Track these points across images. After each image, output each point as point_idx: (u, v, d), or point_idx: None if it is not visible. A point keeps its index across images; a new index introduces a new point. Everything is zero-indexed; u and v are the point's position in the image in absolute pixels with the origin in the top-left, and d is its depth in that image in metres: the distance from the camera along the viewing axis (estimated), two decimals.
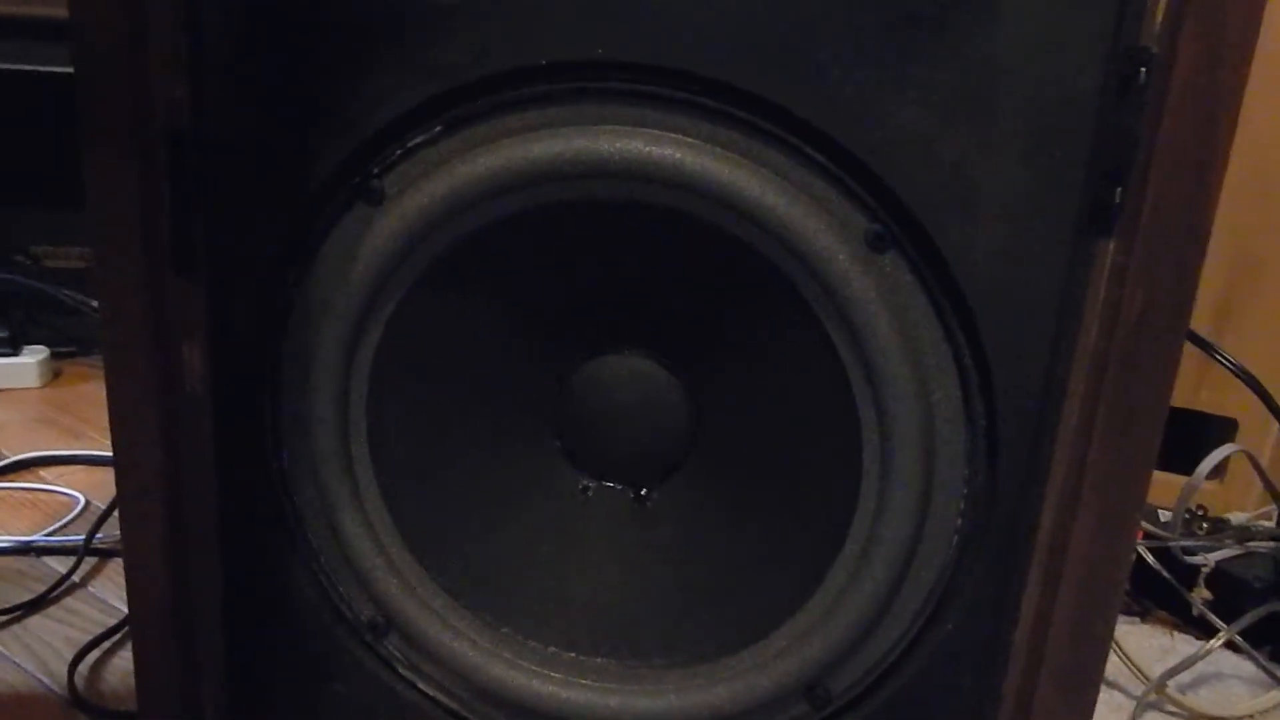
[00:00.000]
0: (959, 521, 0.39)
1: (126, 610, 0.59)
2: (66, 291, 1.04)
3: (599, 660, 0.44)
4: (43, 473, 0.82)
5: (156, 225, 0.39)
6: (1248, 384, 0.66)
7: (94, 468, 0.83)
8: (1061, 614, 0.37)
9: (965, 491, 0.38)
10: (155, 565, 0.42)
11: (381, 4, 0.36)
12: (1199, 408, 0.81)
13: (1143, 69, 0.31)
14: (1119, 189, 0.32)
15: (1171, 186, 0.32)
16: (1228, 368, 0.68)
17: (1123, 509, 0.34)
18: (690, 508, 0.44)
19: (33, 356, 1.02)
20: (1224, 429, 0.80)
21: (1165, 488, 0.77)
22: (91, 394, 1.01)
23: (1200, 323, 0.79)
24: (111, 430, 0.41)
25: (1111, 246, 0.33)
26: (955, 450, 0.38)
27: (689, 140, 0.36)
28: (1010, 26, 0.33)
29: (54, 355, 1.04)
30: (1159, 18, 0.31)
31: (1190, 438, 0.80)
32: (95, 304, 0.40)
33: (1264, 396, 0.67)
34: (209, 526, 0.43)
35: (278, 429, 0.42)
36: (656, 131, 0.37)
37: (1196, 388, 0.79)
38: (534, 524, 0.45)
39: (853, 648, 0.41)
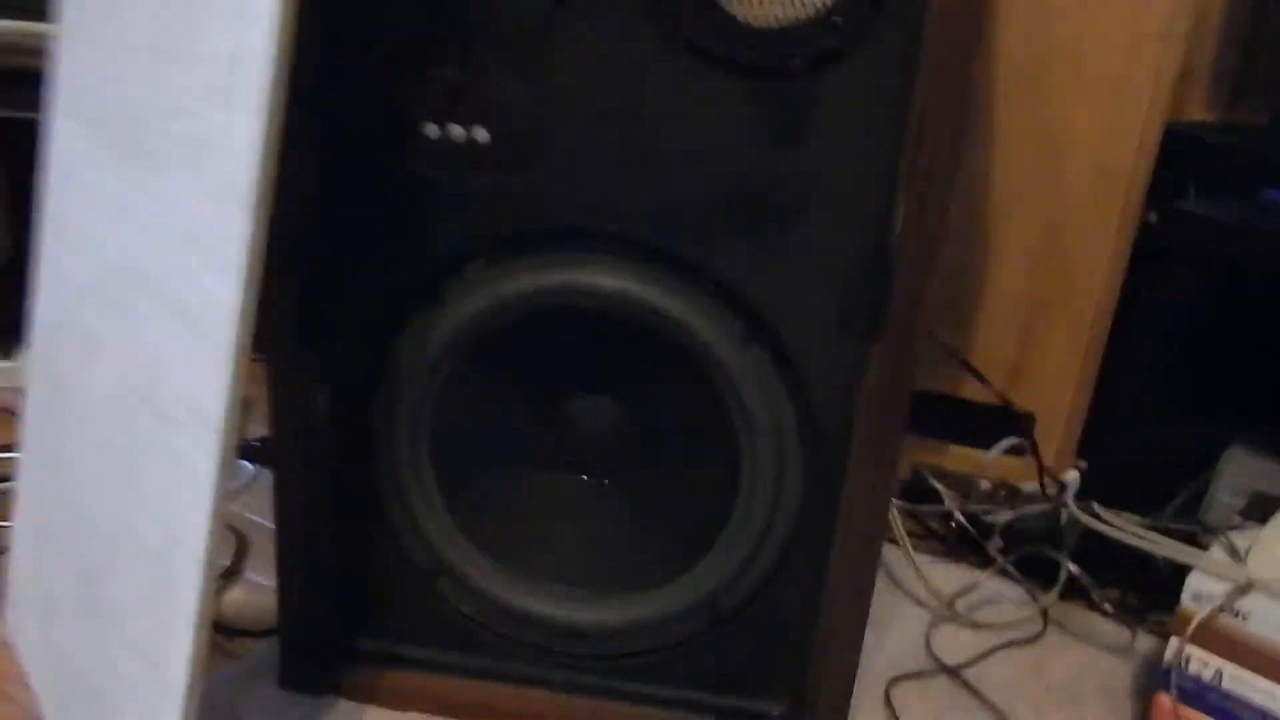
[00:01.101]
0: (798, 501, 0.64)
1: (227, 562, 0.83)
2: None
3: (579, 589, 0.68)
4: None
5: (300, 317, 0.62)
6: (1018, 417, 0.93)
7: None
8: (848, 556, 0.63)
9: (801, 483, 0.64)
10: (296, 532, 0.66)
11: (445, 187, 0.60)
12: (1011, 403, 1.08)
13: (888, 257, 0.56)
14: (881, 316, 0.58)
15: (898, 320, 0.57)
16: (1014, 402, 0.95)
17: (880, 495, 0.60)
18: (634, 491, 0.69)
19: None
20: (1028, 418, 1.08)
21: (982, 463, 1.05)
22: None
23: (1006, 351, 1.06)
24: (274, 445, 0.64)
25: (876, 349, 0.58)
26: (796, 460, 0.63)
27: (636, 276, 0.60)
28: (822, 225, 0.57)
29: None
30: (899, 227, 0.56)
31: (1003, 424, 1.07)
32: None
33: (1029, 431, 0.94)
34: (329, 506, 0.66)
35: (373, 445, 0.66)
36: (616, 270, 0.60)
37: (1008, 389, 1.06)
38: (535, 502, 0.69)
39: (735, 579, 0.66)
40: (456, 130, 0.58)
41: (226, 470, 0.45)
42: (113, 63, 0.55)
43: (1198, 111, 1.33)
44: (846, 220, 0.58)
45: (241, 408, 0.45)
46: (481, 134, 0.58)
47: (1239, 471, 0.92)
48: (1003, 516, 0.96)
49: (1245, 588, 0.67)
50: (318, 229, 0.61)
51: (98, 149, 0.58)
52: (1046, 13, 0.96)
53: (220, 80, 0.44)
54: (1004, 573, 0.92)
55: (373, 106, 0.58)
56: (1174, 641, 0.69)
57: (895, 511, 0.91)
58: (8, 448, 0.94)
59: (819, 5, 0.53)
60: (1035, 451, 0.97)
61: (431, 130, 0.58)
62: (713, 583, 0.67)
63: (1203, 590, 0.68)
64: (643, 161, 0.58)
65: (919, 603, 0.88)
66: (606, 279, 0.60)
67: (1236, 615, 0.67)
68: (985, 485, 1.05)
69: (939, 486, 0.99)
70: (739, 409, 0.62)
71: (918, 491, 1.02)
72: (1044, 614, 0.88)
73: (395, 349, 0.64)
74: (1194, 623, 0.67)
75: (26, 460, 0.70)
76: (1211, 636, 0.67)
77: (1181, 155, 1.02)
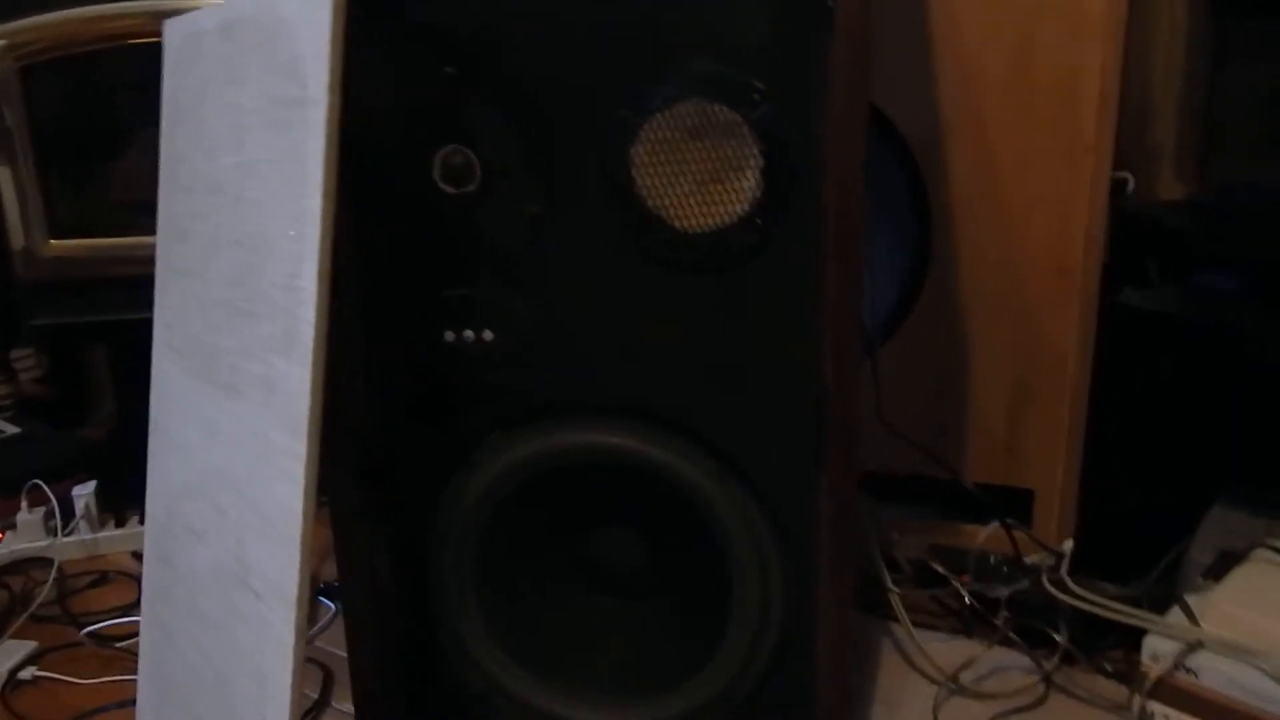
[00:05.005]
0: (783, 603, 0.75)
1: (315, 694, 0.96)
2: None
3: (612, 695, 0.80)
4: None
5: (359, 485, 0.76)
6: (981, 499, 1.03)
7: None
8: (826, 645, 0.73)
9: (783, 588, 0.75)
10: (366, 664, 0.79)
11: (465, 376, 0.74)
12: (1011, 482, 1.17)
13: (822, 403, 0.68)
14: (823, 451, 0.69)
15: (836, 451, 0.68)
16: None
17: (846, 598, 0.71)
18: (652, 605, 0.80)
19: None
20: (1028, 495, 1.16)
21: (993, 538, 1.13)
22: None
23: (997, 433, 1.15)
24: (342, 589, 0.77)
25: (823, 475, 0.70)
26: (776, 568, 0.74)
27: (623, 432, 0.73)
28: (767, 378, 0.70)
29: None
30: (829, 377, 0.68)
31: (1009, 501, 1.16)
32: None
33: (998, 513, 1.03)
34: (394, 640, 0.79)
35: (426, 583, 0.79)
36: (608, 429, 0.73)
37: (1005, 470, 1.15)
38: (568, 621, 0.81)
39: (743, 671, 0.77)
40: (469, 334, 0.72)
41: (302, 633, 0.58)
42: (201, 310, 0.71)
43: (1168, 188, 1.44)
44: (785, 372, 0.70)
45: (321, 557, 0.58)
46: (488, 334, 0.72)
47: (1216, 531, 1.00)
48: (1004, 590, 1.04)
49: (1195, 646, 0.75)
50: (367, 416, 0.75)
51: (189, 375, 0.73)
52: (984, 135, 1.08)
53: (280, 337, 0.59)
54: (1010, 643, 1.01)
55: (401, 321, 0.73)
56: (1135, 698, 0.77)
57: (897, 594, 1.01)
58: (126, 609, 1.10)
59: (742, 211, 0.66)
60: (1005, 526, 1.05)
61: (449, 335, 0.73)
62: (726, 676, 0.77)
63: (1159, 650, 0.77)
64: (618, 343, 0.71)
65: (930, 679, 0.97)
66: (600, 437, 0.73)
67: (1189, 672, 0.75)
68: (994, 560, 1.13)
69: (940, 569, 1.08)
70: (722, 532, 0.74)
71: (928, 573, 1.11)
72: (1046, 679, 0.96)
73: (438, 504, 0.77)
74: (1150, 680, 0.76)
75: (145, 625, 0.84)
76: (1168, 692, 0.76)
77: (1132, 243, 1.13)
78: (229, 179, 0.63)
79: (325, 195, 0.54)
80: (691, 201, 0.67)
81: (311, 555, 0.59)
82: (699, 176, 0.66)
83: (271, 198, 0.58)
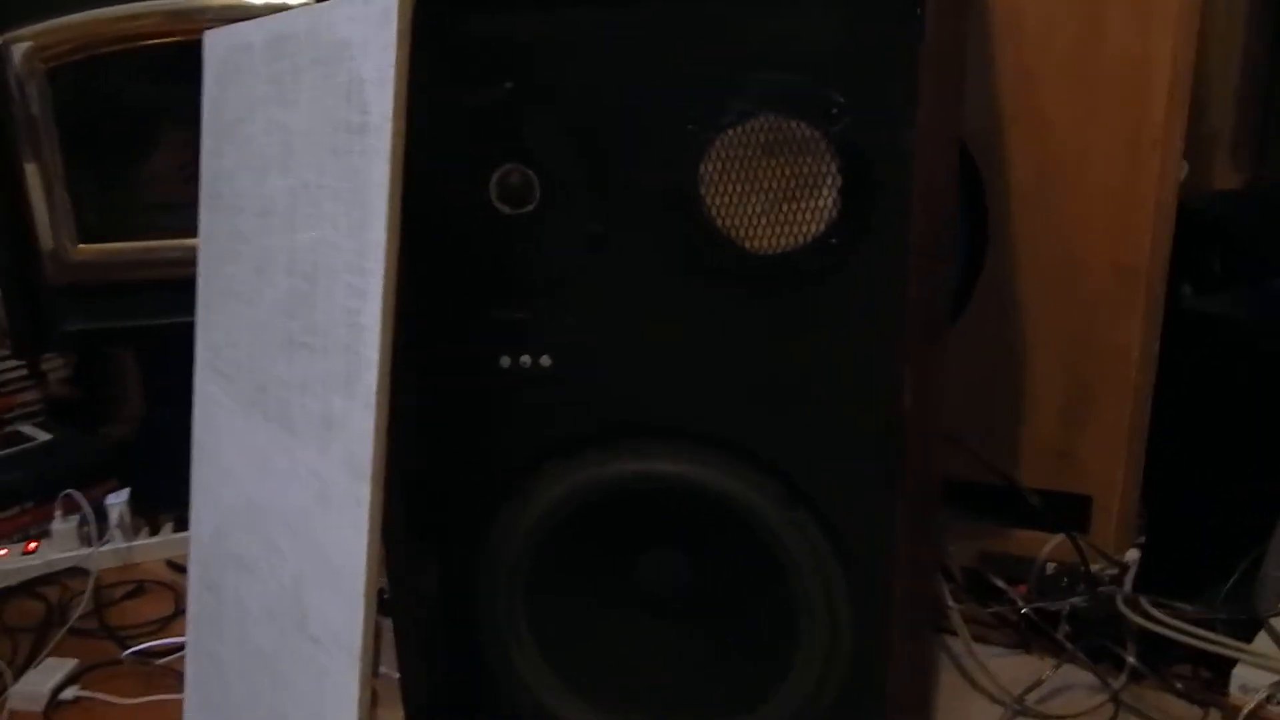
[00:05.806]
0: (852, 635, 0.72)
1: None
2: None
3: None
4: None
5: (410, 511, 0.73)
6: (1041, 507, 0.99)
7: None
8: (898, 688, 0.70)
9: (852, 618, 0.72)
10: (413, 674, 0.76)
11: (522, 403, 0.70)
12: (1065, 487, 1.13)
13: (898, 428, 0.65)
14: (899, 478, 0.66)
15: (914, 478, 0.65)
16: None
17: (922, 628, 0.68)
18: (710, 633, 0.77)
19: None
20: (1084, 501, 1.13)
21: (1059, 546, 1.09)
22: None
23: (1052, 438, 1.11)
24: (393, 612, 0.75)
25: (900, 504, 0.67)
26: (843, 597, 0.71)
27: (685, 458, 0.70)
28: (836, 403, 0.66)
29: None
30: (908, 401, 0.65)
31: (1064, 508, 1.12)
32: None
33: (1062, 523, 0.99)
34: (445, 663, 0.77)
35: (479, 611, 0.76)
36: (668, 455, 0.70)
37: (1059, 476, 1.11)
38: (620, 647, 0.78)
39: (811, 703, 0.74)
40: (525, 358, 0.69)
41: (366, 684, 0.56)
42: (250, 336, 0.68)
43: (1223, 175, 1.38)
44: (857, 397, 0.66)
45: None
46: (545, 359, 0.69)
47: None
48: (1064, 604, 1.01)
49: None
50: (422, 446, 0.73)
51: (237, 402, 0.70)
52: (1045, 126, 1.03)
53: (341, 374, 0.56)
54: (1073, 658, 0.97)
55: (455, 345, 0.70)
56: None
57: (956, 609, 0.98)
58: (163, 621, 1.08)
59: (817, 232, 0.63)
60: (1073, 538, 1.01)
61: (505, 360, 0.70)
62: (791, 710, 0.75)
63: (1249, 681, 0.73)
64: (680, 364, 0.68)
65: (993, 699, 0.94)
66: (663, 465, 0.70)
67: None
68: (1051, 570, 1.09)
69: (1000, 583, 1.04)
70: (787, 560, 0.70)
71: (983, 585, 1.07)
72: (1115, 699, 0.92)
73: (491, 529, 0.74)
74: (1243, 714, 0.72)
75: (192, 652, 0.82)
76: None
77: (1201, 239, 1.08)
78: (280, 202, 0.60)
79: (390, 229, 0.51)
80: (763, 221, 0.63)
81: (375, 601, 0.56)
82: (772, 195, 0.63)
83: (329, 226, 0.55)
